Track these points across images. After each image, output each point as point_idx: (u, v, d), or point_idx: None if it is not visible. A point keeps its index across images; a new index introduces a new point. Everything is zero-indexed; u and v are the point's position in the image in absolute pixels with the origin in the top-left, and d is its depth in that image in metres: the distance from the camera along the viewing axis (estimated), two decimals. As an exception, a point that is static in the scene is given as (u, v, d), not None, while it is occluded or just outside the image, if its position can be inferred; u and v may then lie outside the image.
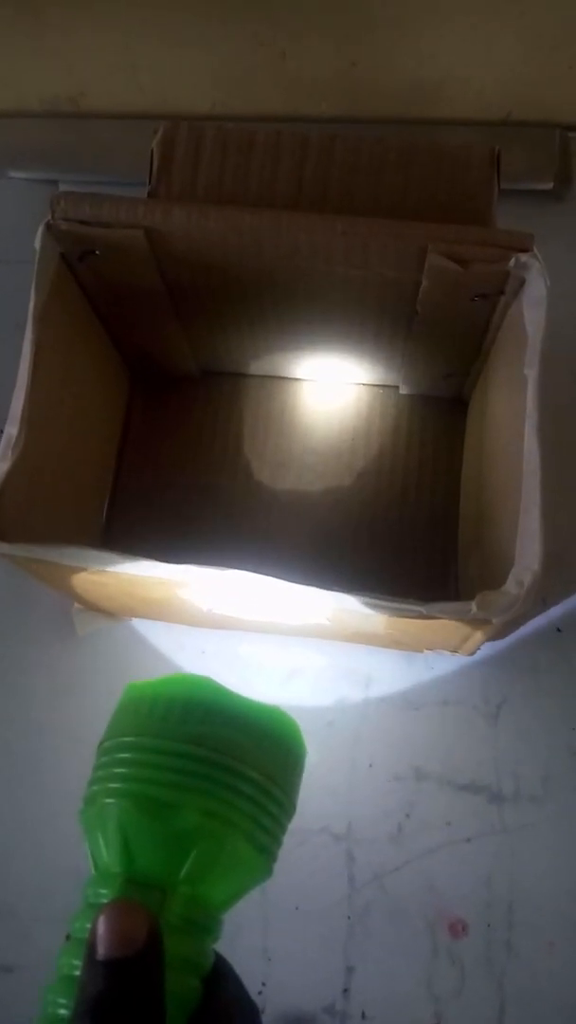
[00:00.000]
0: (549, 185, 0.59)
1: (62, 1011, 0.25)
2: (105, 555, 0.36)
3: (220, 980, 0.27)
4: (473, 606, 0.34)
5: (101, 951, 0.24)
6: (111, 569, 0.36)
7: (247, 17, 0.55)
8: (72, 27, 0.56)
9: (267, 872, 0.30)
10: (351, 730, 0.49)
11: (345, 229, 0.40)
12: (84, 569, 0.37)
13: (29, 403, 0.39)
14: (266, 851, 0.29)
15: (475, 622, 0.36)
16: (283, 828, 0.31)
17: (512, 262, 0.39)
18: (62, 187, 0.62)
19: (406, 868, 0.46)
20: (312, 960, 0.45)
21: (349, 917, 0.46)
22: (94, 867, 0.29)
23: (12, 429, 0.38)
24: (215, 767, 0.28)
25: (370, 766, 0.48)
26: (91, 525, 0.52)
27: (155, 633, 0.51)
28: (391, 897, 0.46)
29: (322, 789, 0.47)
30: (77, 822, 0.30)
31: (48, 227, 0.41)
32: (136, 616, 0.51)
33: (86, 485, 0.51)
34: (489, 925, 0.45)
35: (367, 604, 0.35)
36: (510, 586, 0.35)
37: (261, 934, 0.46)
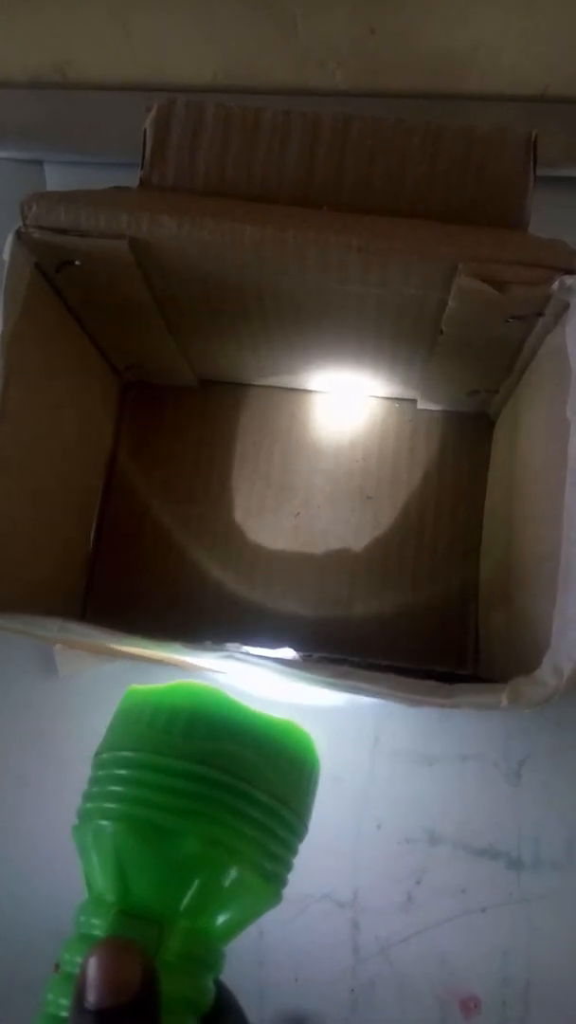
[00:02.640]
0: (589, 171, 0.53)
1: None
2: (83, 629, 0.31)
3: (221, 1017, 0.25)
4: (504, 698, 0.30)
5: (91, 999, 0.22)
6: (90, 641, 0.32)
7: (253, -23, 0.48)
8: (56, -15, 0.50)
9: (275, 900, 0.28)
10: (358, 787, 0.45)
11: (361, 245, 0.34)
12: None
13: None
14: (274, 878, 0.27)
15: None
16: (294, 851, 0.28)
17: (556, 284, 0.34)
18: (47, 167, 0.56)
19: (415, 939, 0.43)
20: (312, 1035, 0.42)
21: (353, 991, 0.42)
22: (88, 890, 0.26)
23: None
24: (220, 789, 0.26)
25: (378, 827, 0.44)
26: (74, 564, 0.47)
27: (143, 674, 0.47)
28: (398, 970, 0.42)
29: (325, 852, 0.43)
30: (65, 858, 0.26)
31: (19, 235, 0.35)
32: (122, 659, 0.46)
33: (70, 519, 0.46)
34: (504, 1003, 0.42)
35: (379, 694, 0.30)
36: (546, 674, 0.30)
37: (257, 1007, 0.42)
